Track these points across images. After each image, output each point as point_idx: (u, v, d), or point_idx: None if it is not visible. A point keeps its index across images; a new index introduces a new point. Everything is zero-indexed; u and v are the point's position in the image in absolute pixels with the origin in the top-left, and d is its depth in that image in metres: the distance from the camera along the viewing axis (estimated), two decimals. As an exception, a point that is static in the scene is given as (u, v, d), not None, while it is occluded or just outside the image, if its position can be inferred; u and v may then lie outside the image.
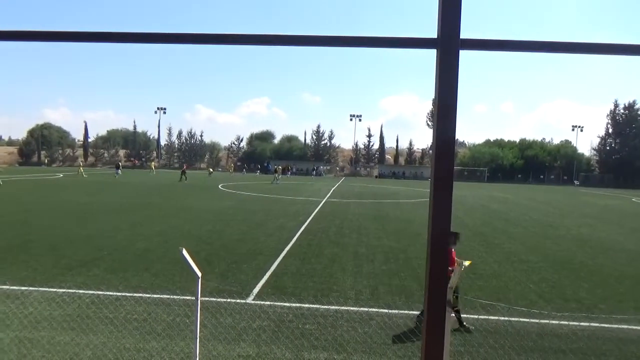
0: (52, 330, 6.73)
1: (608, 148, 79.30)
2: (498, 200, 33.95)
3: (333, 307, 8.13)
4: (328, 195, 32.68)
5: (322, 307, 8.12)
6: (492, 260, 12.54)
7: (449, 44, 1.81)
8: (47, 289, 8.64)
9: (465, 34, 1.81)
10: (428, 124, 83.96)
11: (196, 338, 5.07)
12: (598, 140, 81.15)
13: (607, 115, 79.71)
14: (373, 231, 16.73)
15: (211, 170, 66.79)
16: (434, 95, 1.90)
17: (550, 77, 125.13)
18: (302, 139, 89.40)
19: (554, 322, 7.74)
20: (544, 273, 11.24)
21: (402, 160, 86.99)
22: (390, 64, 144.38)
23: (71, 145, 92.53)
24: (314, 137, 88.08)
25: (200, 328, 5.19)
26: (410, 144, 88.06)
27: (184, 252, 4.75)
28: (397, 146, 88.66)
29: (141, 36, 1.96)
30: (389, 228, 17.68)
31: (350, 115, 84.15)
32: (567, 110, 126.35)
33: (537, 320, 7.67)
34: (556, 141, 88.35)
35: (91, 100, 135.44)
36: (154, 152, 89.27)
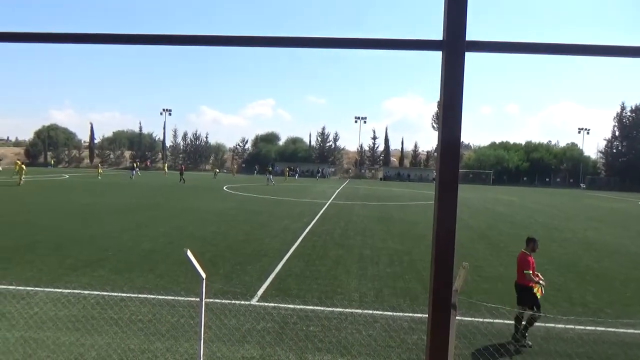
0: (57, 330, 6.76)
1: (614, 151, 78.80)
2: (503, 203, 33.81)
3: (337, 309, 8.12)
4: (333, 197, 32.67)
5: (327, 309, 8.11)
6: (498, 263, 12.48)
7: (454, 46, 1.80)
8: (52, 290, 8.68)
9: (470, 35, 1.81)
10: (433, 126, 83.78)
11: (200, 339, 5.08)
12: (604, 143, 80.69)
13: (614, 118, 79.24)
14: (378, 233, 16.70)
15: (217, 171, 66.61)
16: (439, 97, 1.90)
17: (556, 79, 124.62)
18: (307, 140, 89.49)
19: (559, 325, 7.68)
20: (549, 276, 11.17)
21: (407, 162, 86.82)
22: (396, 65, 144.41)
23: (77, 146, 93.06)
24: (319, 139, 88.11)
25: (204, 329, 5.20)
26: (416, 146, 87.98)
27: (189, 253, 4.76)
28: (402, 148, 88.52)
29: (147, 38, 1.96)
30: (393, 230, 17.64)
31: (355, 117, 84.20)
32: (573, 112, 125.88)
33: (542, 324, 7.61)
34: (562, 144, 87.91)
35: (97, 101, 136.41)
36: (159, 154, 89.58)
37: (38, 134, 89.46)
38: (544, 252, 14.23)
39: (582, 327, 7.65)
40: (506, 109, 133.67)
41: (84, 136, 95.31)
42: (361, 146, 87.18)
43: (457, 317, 4.28)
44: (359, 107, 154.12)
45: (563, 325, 7.70)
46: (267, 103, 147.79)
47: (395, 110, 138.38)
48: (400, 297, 9.04)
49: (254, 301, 8.48)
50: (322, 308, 8.15)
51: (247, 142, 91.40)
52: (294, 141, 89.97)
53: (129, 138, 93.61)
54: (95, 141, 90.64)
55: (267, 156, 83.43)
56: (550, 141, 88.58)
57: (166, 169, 68.93)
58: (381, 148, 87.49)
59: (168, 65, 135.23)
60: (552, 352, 6.74)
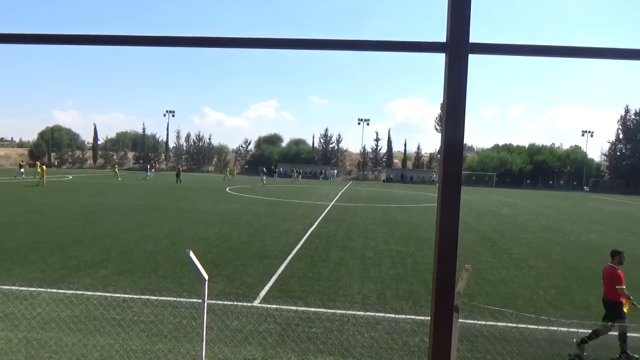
0: (60, 331, 6.78)
1: (618, 154, 78.52)
2: (507, 206, 33.72)
3: (340, 311, 8.11)
4: (335, 199, 32.65)
5: (329, 311, 8.09)
6: (501, 266, 12.44)
7: (457, 48, 1.80)
8: (55, 290, 8.71)
9: (474, 38, 1.81)
10: (436, 128, 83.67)
11: (202, 340, 5.08)
12: (608, 145, 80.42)
13: (618, 121, 78.99)
14: (380, 235, 16.68)
15: (229, 171, 65.51)
16: (442, 99, 1.89)
17: (559, 81, 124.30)
18: (309, 142, 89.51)
19: (562, 329, 7.66)
20: (553, 279, 11.14)
21: (409, 164, 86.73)
22: (399, 67, 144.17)
23: (81, 147, 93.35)
24: (322, 140, 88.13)
25: (206, 331, 5.20)
26: (418, 148, 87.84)
27: (191, 254, 4.77)
28: (405, 150, 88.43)
29: (151, 40, 1.97)
30: (396, 232, 17.62)
31: (358, 119, 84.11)
32: (577, 115, 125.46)
33: (545, 327, 7.59)
34: (566, 146, 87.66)
35: (101, 102, 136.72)
36: (163, 155, 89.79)
37: (42, 134, 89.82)
38: (547, 255, 14.20)
39: (585, 331, 7.60)
40: (509, 111, 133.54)
41: (87, 137, 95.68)
42: (364, 148, 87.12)
43: (459, 320, 4.27)
44: (362, 109, 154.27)
45: (566, 329, 7.67)
46: (270, 105, 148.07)
47: (398, 112, 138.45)
48: (403, 300, 9.02)
49: (256, 303, 8.48)
50: (324, 310, 8.14)
51: (250, 143, 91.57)
52: (297, 143, 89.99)
53: (132, 139, 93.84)
54: (99, 142, 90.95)
55: (270, 158, 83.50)
56: (553, 144, 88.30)
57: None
58: (384, 150, 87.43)
59: (172, 67, 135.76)
60: (555, 355, 6.72)
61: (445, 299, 1.87)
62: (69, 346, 6.30)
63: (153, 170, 53.31)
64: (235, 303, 8.23)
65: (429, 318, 1.96)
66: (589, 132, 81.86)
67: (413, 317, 8.03)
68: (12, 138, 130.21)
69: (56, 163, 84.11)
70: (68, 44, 2.02)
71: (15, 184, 35.78)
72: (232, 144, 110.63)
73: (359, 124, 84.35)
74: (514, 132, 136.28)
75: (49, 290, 8.71)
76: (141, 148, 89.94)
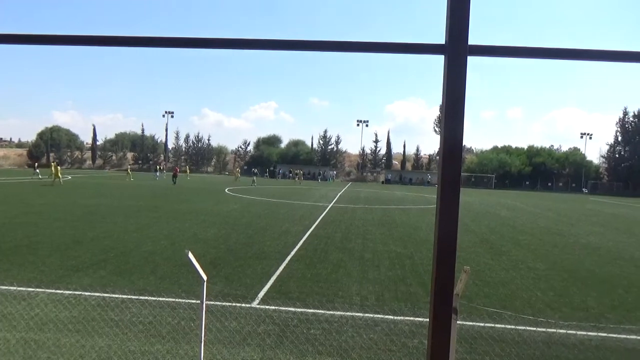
0: (58, 332, 6.76)
1: (617, 156, 78.66)
2: (505, 207, 33.75)
3: (338, 312, 8.10)
4: (334, 200, 32.65)
5: (327, 312, 8.09)
6: (499, 267, 12.45)
7: (456, 50, 1.80)
8: (53, 291, 8.69)
9: (473, 39, 1.81)
10: (435, 130, 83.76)
11: (201, 341, 5.07)
12: (607, 147, 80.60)
13: (617, 123, 79.19)
14: (379, 237, 16.68)
15: (239, 171, 65.17)
16: (441, 100, 1.90)
17: (558, 84, 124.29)
18: (309, 143, 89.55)
19: (561, 331, 7.66)
20: (551, 281, 11.15)
21: (409, 165, 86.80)
22: (398, 69, 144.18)
23: (80, 147, 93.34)
24: (321, 141, 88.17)
25: (205, 332, 5.19)
26: (417, 149, 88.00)
27: (190, 255, 4.76)
28: (404, 152, 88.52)
29: (150, 40, 1.97)
30: (395, 234, 17.62)
31: (357, 121, 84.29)
32: (575, 117, 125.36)
33: (544, 329, 7.59)
34: (565, 148, 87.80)
35: (100, 103, 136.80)
36: (162, 156, 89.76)
37: (41, 135, 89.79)
38: (545, 257, 14.21)
39: (583, 333, 7.62)
40: (508, 113, 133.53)
41: (86, 138, 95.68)
42: (363, 149, 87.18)
43: (458, 322, 4.27)
44: (361, 110, 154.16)
45: (564, 331, 7.68)
46: (270, 106, 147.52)
47: (398, 114, 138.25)
48: (402, 301, 9.02)
49: (254, 304, 8.47)
50: (322, 311, 8.13)
51: (249, 144, 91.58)
52: (296, 144, 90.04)
53: (131, 140, 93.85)
54: (98, 143, 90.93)
55: (269, 159, 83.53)
56: (552, 146, 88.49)
57: (189, 171, 68.90)
58: (383, 151, 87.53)
59: (171, 68, 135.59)
60: (554, 357, 6.71)
61: (444, 300, 1.87)
62: (67, 347, 6.28)
63: (164, 171, 53.48)
64: (234, 304, 8.22)
65: (428, 320, 1.96)
66: (588, 134, 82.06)
67: (412, 318, 8.03)
68: (10, 138, 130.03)
69: (38, 164, 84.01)
70: (67, 44, 2.02)
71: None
72: (232, 145, 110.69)
73: (358, 125, 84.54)
74: (513, 134, 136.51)
75: (47, 290, 8.69)
76: (140, 149, 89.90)
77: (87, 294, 8.57)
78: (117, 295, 8.42)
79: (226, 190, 39.49)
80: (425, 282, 10.40)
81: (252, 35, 1.93)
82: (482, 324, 7.72)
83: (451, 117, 1.83)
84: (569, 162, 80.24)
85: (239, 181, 54.98)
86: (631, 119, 77.50)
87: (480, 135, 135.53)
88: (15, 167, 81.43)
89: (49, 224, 16.52)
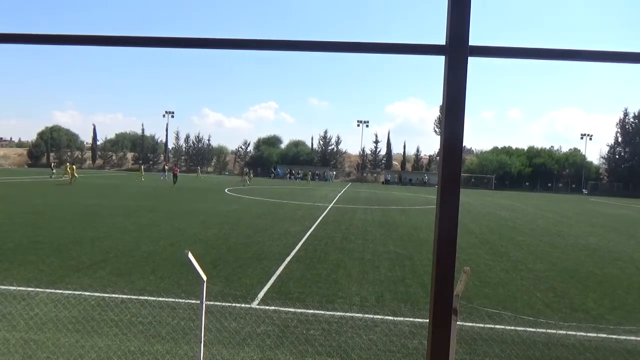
0: (58, 332, 6.76)
1: (617, 157, 78.66)
2: (505, 208, 33.74)
3: (338, 313, 8.10)
4: (334, 201, 32.65)
5: (327, 313, 8.09)
6: (499, 268, 12.44)
7: (457, 51, 1.80)
8: (53, 291, 8.69)
9: (473, 40, 1.81)
10: (435, 130, 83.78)
11: (201, 342, 5.07)
12: (607, 148, 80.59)
13: (617, 124, 79.20)
14: (379, 237, 16.68)
15: (248, 171, 64.72)
16: (441, 101, 1.90)
17: (559, 84, 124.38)
18: (309, 144, 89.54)
19: (561, 332, 7.66)
20: (551, 282, 11.14)
21: (409, 166, 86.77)
22: (398, 70, 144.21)
23: (80, 147, 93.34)
24: (321, 142, 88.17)
25: (205, 332, 5.19)
26: (418, 150, 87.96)
27: (190, 255, 4.76)
28: (404, 152, 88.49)
29: (151, 40, 1.97)
30: (395, 234, 17.62)
31: (358, 121, 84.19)
32: (576, 118, 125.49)
33: (543, 330, 7.59)
34: (565, 149, 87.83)
35: (100, 103, 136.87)
36: (162, 156, 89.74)
37: (41, 135, 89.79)
38: (545, 258, 14.21)
39: (583, 334, 7.62)
40: (509, 113, 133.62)
41: (86, 138, 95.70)
42: (363, 150, 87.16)
43: (458, 322, 4.27)
44: (361, 111, 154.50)
45: (564, 332, 7.67)
46: (270, 106, 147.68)
47: (398, 114, 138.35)
48: (401, 302, 9.02)
49: (254, 304, 8.47)
50: (322, 312, 8.13)
51: (249, 144, 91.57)
52: (296, 144, 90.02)
53: (131, 140, 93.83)
54: (98, 143, 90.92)
55: (269, 159, 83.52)
56: (552, 146, 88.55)
57: (200, 172, 68.65)
58: (383, 152, 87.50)
59: (171, 68, 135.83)
60: (553, 358, 6.71)
61: (444, 301, 1.87)
62: (66, 347, 6.28)
63: (170, 172, 53.82)
64: (234, 304, 8.22)
65: (428, 320, 1.96)
66: (588, 135, 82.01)
67: (411, 319, 8.02)
68: (11, 138, 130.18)
69: (55, 163, 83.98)
70: (68, 44, 2.02)
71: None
72: (232, 145, 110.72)
73: (358, 125, 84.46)
74: (513, 135, 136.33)
75: (47, 290, 8.69)
76: (140, 149, 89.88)
77: (86, 294, 8.57)
78: (116, 296, 8.42)
79: (226, 190, 39.49)
80: (425, 283, 10.40)
81: (252, 35, 1.93)
82: (481, 325, 7.72)
83: (451, 118, 1.83)
84: (569, 163, 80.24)
85: (251, 181, 55.03)
86: (631, 119, 77.51)
87: (480, 135, 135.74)
88: (15, 166, 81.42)
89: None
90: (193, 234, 15.66)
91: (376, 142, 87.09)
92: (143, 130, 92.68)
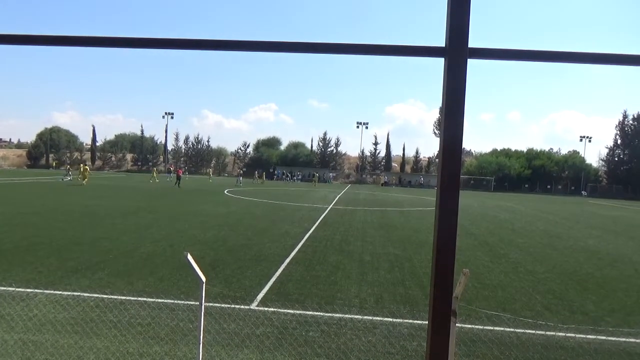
0: (56, 333, 6.75)
1: (616, 159, 78.83)
2: (504, 210, 33.75)
3: (337, 314, 8.09)
4: (333, 203, 32.64)
5: (326, 314, 8.08)
6: (498, 270, 12.44)
7: (457, 53, 1.81)
8: (52, 292, 8.67)
9: (473, 42, 1.81)
10: (435, 132, 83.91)
11: (199, 343, 5.06)
12: (606, 151, 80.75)
13: (616, 126, 79.41)
14: (378, 239, 16.67)
15: (260, 174, 64.57)
16: (441, 103, 1.90)
17: (558, 87, 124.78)
18: (308, 145, 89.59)
19: (560, 334, 7.65)
20: (550, 284, 11.14)
21: (408, 168, 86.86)
22: (398, 71, 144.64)
23: (79, 148, 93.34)
24: (321, 144, 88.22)
25: (203, 333, 5.18)
26: (417, 152, 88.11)
27: (189, 256, 4.76)
28: (403, 154, 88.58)
29: (151, 41, 1.97)
30: (394, 236, 17.61)
31: (357, 123, 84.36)
32: (575, 120, 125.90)
33: (542, 332, 7.59)
34: (564, 151, 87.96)
35: (100, 104, 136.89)
36: (161, 157, 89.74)
37: (40, 136, 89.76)
38: (544, 260, 14.21)
39: (582, 336, 7.61)
40: (508, 116, 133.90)
41: (86, 139, 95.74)
42: (362, 151, 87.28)
43: (457, 324, 4.26)
44: (361, 113, 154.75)
45: (563, 334, 7.67)
46: (270, 107, 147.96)
47: (397, 116, 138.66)
48: (401, 304, 9.01)
49: (253, 306, 8.46)
50: (321, 313, 8.12)
51: (248, 146, 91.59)
52: (296, 146, 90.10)
53: (130, 141, 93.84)
54: (97, 144, 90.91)
55: (268, 160, 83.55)
56: (552, 149, 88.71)
57: (211, 174, 68.48)
58: (382, 153, 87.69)
59: (171, 69, 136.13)
60: (553, 360, 6.70)
61: (443, 303, 1.87)
62: (65, 348, 6.27)
63: (174, 173, 54.43)
64: (233, 306, 8.21)
65: (427, 322, 1.96)
66: (587, 137, 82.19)
67: (411, 321, 8.02)
68: (10, 139, 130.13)
69: (54, 164, 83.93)
70: (67, 45, 2.02)
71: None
72: (231, 146, 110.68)
73: (357, 127, 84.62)
74: (513, 137, 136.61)
75: (45, 291, 8.67)
76: (139, 150, 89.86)
77: (85, 295, 8.55)
78: (115, 297, 8.41)
79: (225, 191, 39.47)
80: (424, 285, 10.40)
81: (252, 37, 1.94)
82: (481, 327, 7.71)
83: (451, 120, 1.83)
84: (568, 165, 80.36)
85: (264, 184, 55.61)
86: (631, 122, 77.71)
87: (479, 137, 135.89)
88: (14, 167, 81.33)
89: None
90: (192, 235, 15.65)
91: (375, 143, 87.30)
92: (142, 131, 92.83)
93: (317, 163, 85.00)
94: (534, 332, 7.68)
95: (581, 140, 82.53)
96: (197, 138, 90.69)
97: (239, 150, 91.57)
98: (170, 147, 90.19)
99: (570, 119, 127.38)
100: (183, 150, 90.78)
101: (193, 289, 8.97)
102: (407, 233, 18.69)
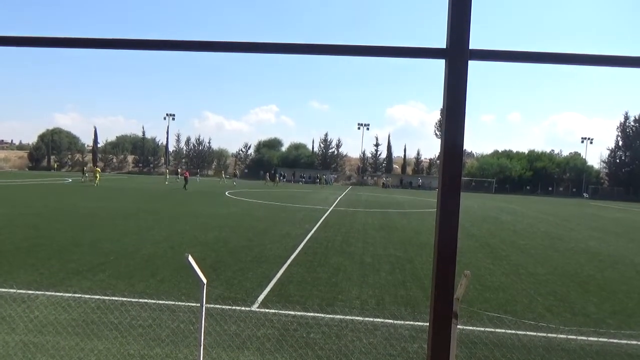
0: (57, 334, 6.75)
1: (618, 161, 78.71)
2: (506, 212, 33.72)
3: (338, 316, 8.09)
4: (334, 204, 32.64)
5: (327, 316, 8.07)
6: (500, 272, 12.42)
7: (457, 54, 1.81)
8: (53, 293, 8.68)
9: (474, 44, 1.81)
10: (436, 134, 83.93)
11: (200, 345, 5.06)
12: (608, 152, 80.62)
13: (617, 128, 79.28)
14: (379, 240, 16.66)
15: (272, 176, 64.64)
16: (442, 104, 1.90)
17: (559, 88, 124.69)
18: (309, 147, 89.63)
19: (561, 336, 7.64)
20: (551, 286, 11.12)
21: (409, 169, 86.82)
22: (399, 73, 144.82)
23: (81, 150, 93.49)
24: (322, 145, 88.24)
25: (204, 335, 5.18)
26: (418, 153, 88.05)
27: (190, 258, 4.76)
28: (404, 155, 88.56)
29: (152, 43, 1.97)
30: (395, 238, 17.60)
31: (358, 124, 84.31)
32: (576, 122, 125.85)
33: (544, 334, 7.57)
34: (565, 153, 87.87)
35: (102, 105, 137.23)
36: (162, 158, 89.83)
37: (42, 137, 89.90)
38: (546, 262, 14.18)
39: (584, 338, 7.60)
40: (509, 117, 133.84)
41: (87, 140, 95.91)
42: (363, 153, 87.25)
43: (458, 326, 4.26)
44: (362, 114, 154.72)
45: (565, 336, 7.65)
46: (271, 109, 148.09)
47: (398, 118, 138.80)
48: (402, 305, 9.00)
49: (254, 307, 8.46)
50: (322, 315, 8.11)
51: (249, 147, 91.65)
52: (297, 147, 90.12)
53: (132, 142, 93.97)
54: (99, 145, 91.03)
55: (269, 162, 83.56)
56: (553, 150, 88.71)
57: (223, 176, 68.40)
58: (383, 155, 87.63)
59: (172, 71, 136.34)
60: (554, 362, 6.69)
61: (444, 304, 1.87)
62: (66, 350, 6.27)
63: (182, 175, 54.76)
64: (234, 307, 8.21)
65: (428, 324, 1.96)
66: (589, 139, 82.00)
67: (412, 323, 8.01)
68: (12, 140, 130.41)
69: (55, 166, 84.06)
70: (69, 47, 2.02)
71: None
72: (232, 148, 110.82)
73: (358, 129, 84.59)
74: (514, 138, 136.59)
75: (47, 293, 8.68)
76: (141, 151, 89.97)
77: (86, 296, 8.55)
78: (116, 298, 8.41)
79: (226, 193, 39.49)
80: (425, 286, 10.38)
81: (253, 38, 1.94)
82: (482, 329, 7.69)
83: (452, 121, 1.83)
84: (569, 167, 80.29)
85: (278, 187, 56.12)
86: (632, 123, 77.61)
87: (480, 139, 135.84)
88: (16, 169, 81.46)
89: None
90: (193, 237, 15.65)
91: (377, 145, 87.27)
92: (144, 132, 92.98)
93: (318, 164, 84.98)
94: (535, 334, 7.66)
95: (582, 141, 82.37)
96: (198, 139, 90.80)
97: (240, 152, 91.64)
98: (171, 148, 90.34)
99: (571, 121, 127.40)
100: (184, 152, 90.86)
101: (194, 291, 8.97)
102: (408, 234, 18.67)
